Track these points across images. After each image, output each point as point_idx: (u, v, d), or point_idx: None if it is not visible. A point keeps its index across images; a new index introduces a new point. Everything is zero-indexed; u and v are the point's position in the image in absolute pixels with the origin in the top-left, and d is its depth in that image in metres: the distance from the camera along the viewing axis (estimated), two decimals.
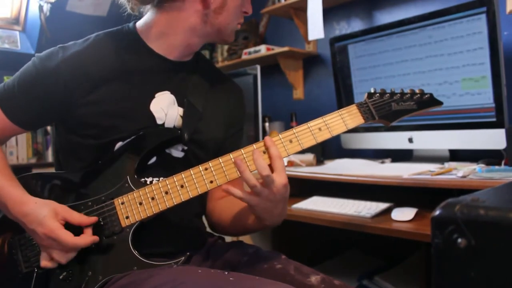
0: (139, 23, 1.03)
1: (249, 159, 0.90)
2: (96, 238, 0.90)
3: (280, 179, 0.87)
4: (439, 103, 1.02)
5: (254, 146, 0.91)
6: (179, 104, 1.01)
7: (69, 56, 0.96)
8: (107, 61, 0.97)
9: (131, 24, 1.04)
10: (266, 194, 0.88)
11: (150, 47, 1.00)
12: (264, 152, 0.90)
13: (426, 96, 1.01)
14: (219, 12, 0.98)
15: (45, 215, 0.88)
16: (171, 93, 1.01)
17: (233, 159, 0.90)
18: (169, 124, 1.00)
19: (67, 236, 0.88)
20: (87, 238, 0.90)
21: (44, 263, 0.90)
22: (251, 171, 0.89)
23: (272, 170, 0.88)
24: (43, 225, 0.87)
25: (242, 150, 0.91)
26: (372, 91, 0.99)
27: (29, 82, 0.96)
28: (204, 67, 1.10)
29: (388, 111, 0.97)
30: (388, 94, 0.99)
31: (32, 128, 1.03)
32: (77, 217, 0.90)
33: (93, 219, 0.91)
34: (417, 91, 1.01)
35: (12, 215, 0.91)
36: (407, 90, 1.01)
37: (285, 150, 0.92)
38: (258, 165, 0.87)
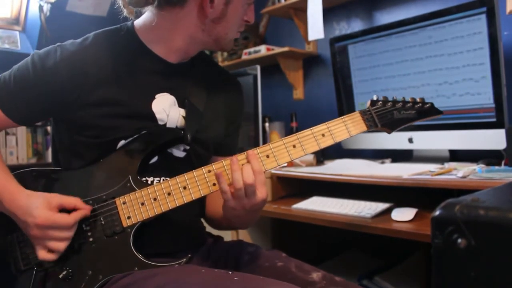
0: (138, 23, 1.01)
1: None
2: (89, 207, 0.92)
3: (260, 193, 0.89)
4: (440, 112, 1.03)
5: (238, 157, 0.91)
6: (180, 105, 1.01)
7: (68, 56, 0.94)
8: (107, 62, 0.96)
9: (129, 24, 1.02)
10: (245, 202, 0.89)
11: (149, 48, 0.99)
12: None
13: (427, 105, 1.02)
14: (218, 22, 0.96)
15: (37, 206, 0.88)
16: (171, 94, 1.00)
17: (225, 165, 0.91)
18: (171, 125, 1.00)
19: (64, 216, 0.88)
20: (82, 210, 0.91)
21: (42, 255, 0.89)
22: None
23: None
24: (35, 216, 0.87)
25: (237, 156, 0.91)
26: (375, 98, 1.00)
27: (26, 79, 0.94)
28: (203, 64, 1.10)
29: (390, 119, 0.98)
30: (390, 103, 1.00)
31: (26, 124, 1.02)
32: (72, 200, 0.91)
33: (87, 207, 0.92)
34: (418, 100, 1.02)
35: (5, 208, 0.90)
36: (408, 98, 1.02)
37: (288, 155, 0.93)
38: (235, 177, 0.88)
